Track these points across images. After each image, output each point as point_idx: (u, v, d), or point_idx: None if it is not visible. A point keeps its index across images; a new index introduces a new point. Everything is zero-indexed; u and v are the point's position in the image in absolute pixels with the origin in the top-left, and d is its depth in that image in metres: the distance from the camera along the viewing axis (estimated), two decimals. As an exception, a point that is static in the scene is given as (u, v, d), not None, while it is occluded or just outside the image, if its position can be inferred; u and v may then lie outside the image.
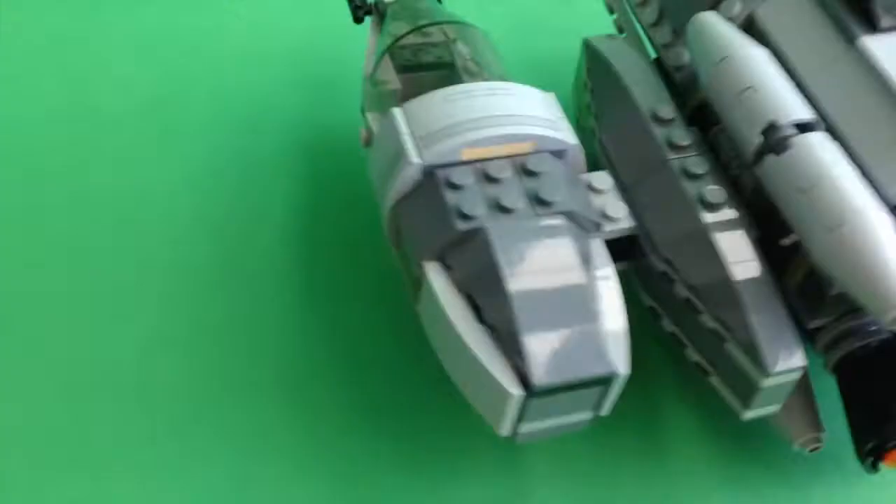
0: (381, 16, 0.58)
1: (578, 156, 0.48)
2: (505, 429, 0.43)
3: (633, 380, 0.43)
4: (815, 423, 0.48)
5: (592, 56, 0.55)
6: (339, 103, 0.66)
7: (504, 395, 0.41)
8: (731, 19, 0.51)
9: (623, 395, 0.44)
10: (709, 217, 0.46)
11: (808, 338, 0.47)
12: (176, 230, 0.59)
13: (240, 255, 0.58)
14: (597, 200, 0.48)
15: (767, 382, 0.43)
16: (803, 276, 0.46)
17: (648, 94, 0.51)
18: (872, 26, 0.48)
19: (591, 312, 0.43)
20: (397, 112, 0.47)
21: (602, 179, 0.49)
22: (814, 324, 0.47)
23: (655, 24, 0.57)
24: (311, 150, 0.64)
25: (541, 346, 0.41)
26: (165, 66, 0.69)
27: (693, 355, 0.47)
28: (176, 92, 0.67)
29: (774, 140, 0.45)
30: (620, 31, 0.61)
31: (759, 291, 0.44)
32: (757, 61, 0.47)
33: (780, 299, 0.44)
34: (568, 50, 0.65)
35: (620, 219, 0.48)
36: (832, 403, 0.49)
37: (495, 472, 0.51)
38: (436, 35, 0.55)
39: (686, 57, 0.54)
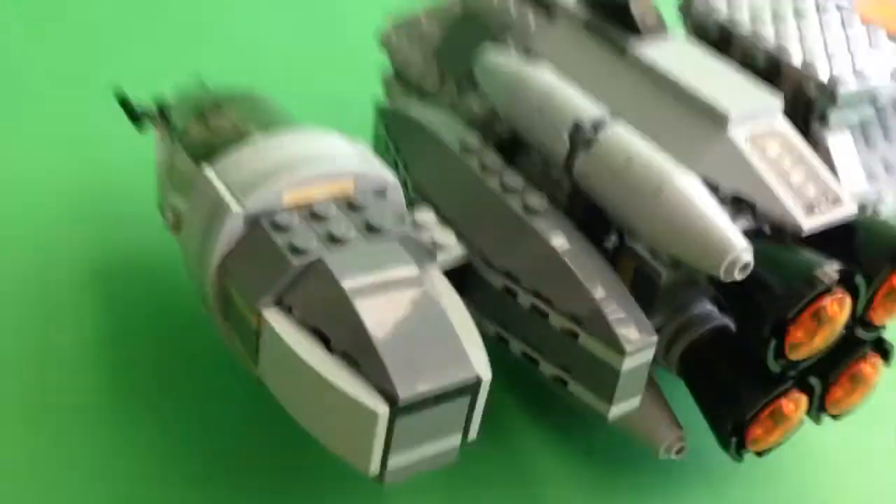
0: (164, 116, 0.57)
1: (398, 193, 0.48)
2: (373, 463, 0.40)
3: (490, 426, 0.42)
4: (674, 424, 0.48)
5: (389, 115, 0.56)
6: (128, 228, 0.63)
7: (370, 416, 0.39)
8: None
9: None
10: (535, 221, 0.47)
11: None
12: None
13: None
14: (424, 234, 0.48)
15: (626, 365, 0.43)
16: (632, 273, 0.48)
17: (452, 131, 0.52)
18: (639, 35, 0.52)
19: (445, 321, 0.41)
20: (208, 170, 0.46)
21: (425, 215, 0.49)
22: (655, 324, 0.48)
23: (440, 88, 0.59)
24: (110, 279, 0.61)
25: (400, 359, 0.39)
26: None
27: (548, 369, 0.47)
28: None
29: (582, 139, 0.47)
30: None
31: (602, 278, 0.45)
32: (546, 76, 0.50)
33: (620, 281, 0.45)
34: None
35: (451, 246, 0.47)
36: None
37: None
38: (222, 120, 0.54)
39: (476, 107, 0.56)
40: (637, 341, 0.43)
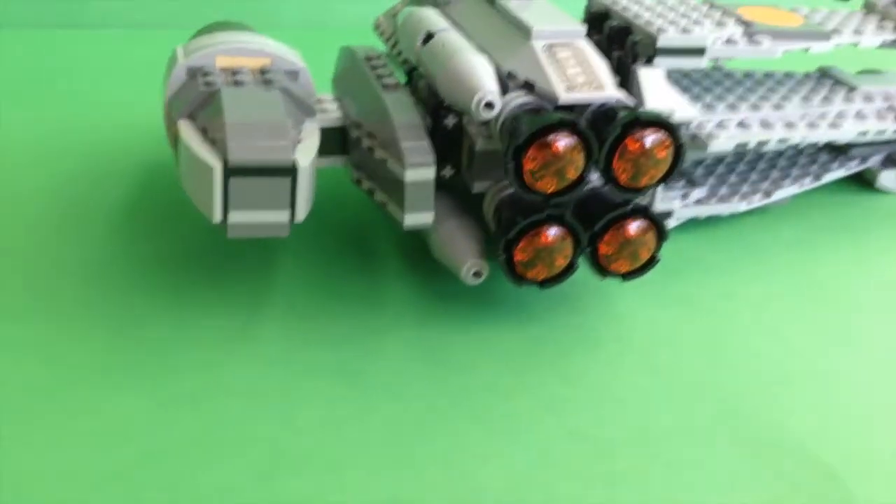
0: None
1: (308, 79, 0.67)
2: (216, 212, 0.58)
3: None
4: (476, 252, 0.62)
5: (345, 53, 0.76)
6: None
7: (209, 170, 0.57)
8: None
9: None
10: (387, 94, 0.65)
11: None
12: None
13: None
14: (314, 101, 0.67)
15: (410, 177, 0.59)
16: (467, 151, 0.64)
17: (365, 51, 0.72)
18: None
19: (284, 121, 0.59)
20: (179, 49, 0.68)
21: (324, 96, 0.68)
22: (476, 188, 0.64)
23: (393, 46, 0.78)
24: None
25: (240, 138, 0.57)
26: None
27: (378, 195, 0.63)
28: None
29: (426, 38, 0.65)
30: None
31: (407, 118, 0.62)
32: (426, 11, 0.69)
33: (422, 126, 0.62)
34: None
35: (331, 110, 0.66)
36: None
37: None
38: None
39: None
40: (417, 160, 0.60)
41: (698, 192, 0.73)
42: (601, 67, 0.62)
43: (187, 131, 0.60)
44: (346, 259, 0.69)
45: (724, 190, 0.75)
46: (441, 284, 0.66)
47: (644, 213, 0.61)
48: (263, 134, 0.58)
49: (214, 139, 0.59)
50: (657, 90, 0.66)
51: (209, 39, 0.67)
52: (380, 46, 0.78)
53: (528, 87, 0.61)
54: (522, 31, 0.64)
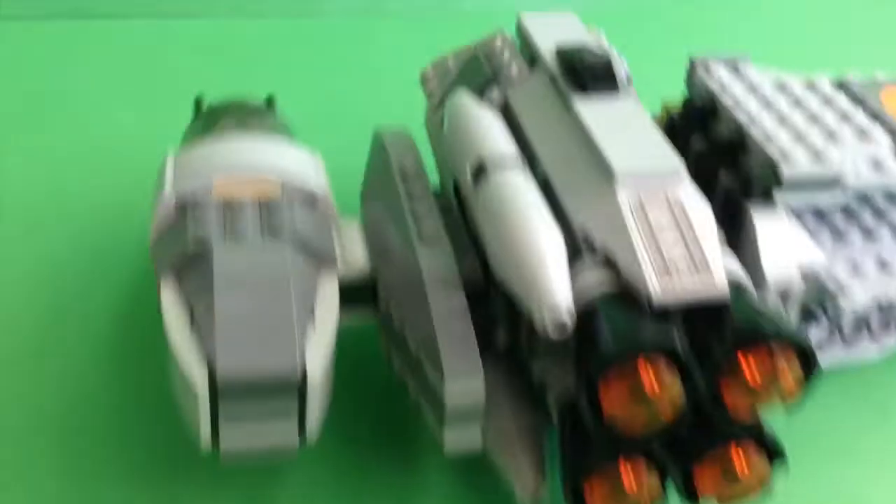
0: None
1: (329, 205, 0.53)
2: (204, 432, 0.45)
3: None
4: (539, 474, 0.49)
5: (377, 143, 0.61)
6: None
7: (193, 383, 0.44)
8: (491, 103, 0.57)
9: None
10: (420, 247, 0.50)
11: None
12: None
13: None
14: (339, 245, 0.52)
15: (450, 389, 0.46)
16: (528, 331, 0.49)
17: (403, 155, 0.57)
18: (581, 89, 0.53)
19: (289, 324, 0.45)
20: (170, 156, 0.53)
21: (354, 231, 0.54)
22: (536, 372, 0.50)
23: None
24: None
25: (233, 345, 0.44)
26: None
27: (414, 393, 0.50)
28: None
29: (479, 175, 0.50)
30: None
31: (449, 313, 0.47)
32: (480, 115, 0.55)
33: (469, 324, 0.47)
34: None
35: (355, 261, 0.52)
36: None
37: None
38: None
39: None
40: (461, 373, 0.45)
41: (815, 333, 0.58)
42: (707, 238, 0.47)
43: (170, 308, 0.47)
44: (375, 443, 0.55)
45: (847, 329, 0.60)
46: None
47: (759, 436, 0.47)
48: (263, 334, 0.45)
49: (201, 327, 0.46)
50: (776, 244, 0.50)
51: (207, 151, 0.53)
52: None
53: (609, 263, 0.47)
54: (602, 169, 0.48)
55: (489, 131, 0.52)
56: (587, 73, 0.52)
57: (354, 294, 0.51)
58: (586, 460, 0.46)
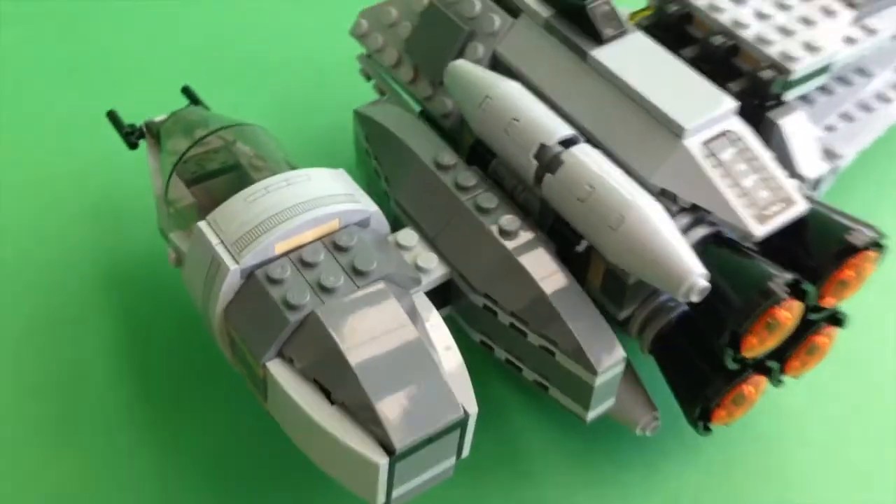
0: (154, 136, 0.60)
1: (381, 220, 0.51)
2: (380, 498, 0.45)
3: (483, 410, 0.46)
4: (649, 405, 0.53)
5: (367, 124, 0.58)
6: (131, 232, 0.66)
7: (371, 467, 0.43)
8: (478, 62, 0.56)
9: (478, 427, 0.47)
10: (510, 244, 0.50)
11: (620, 328, 0.52)
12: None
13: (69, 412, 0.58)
14: (408, 256, 0.51)
15: (599, 381, 0.48)
16: (602, 274, 0.51)
17: (427, 147, 0.55)
18: (597, 40, 0.53)
19: (430, 364, 0.45)
20: (203, 226, 0.49)
21: (408, 236, 0.52)
22: (622, 315, 0.52)
23: (412, 81, 0.61)
24: (116, 282, 0.64)
25: (393, 410, 0.44)
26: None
27: (530, 375, 0.51)
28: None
29: (547, 161, 0.49)
30: (381, 93, 0.65)
31: (571, 300, 0.49)
32: (513, 95, 0.52)
33: (590, 302, 0.49)
34: (335, 123, 0.69)
35: (433, 269, 0.51)
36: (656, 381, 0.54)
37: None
38: (214, 142, 0.56)
39: (449, 104, 0.58)
40: (606, 363, 0.47)
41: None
42: (769, 161, 0.50)
43: (297, 390, 0.45)
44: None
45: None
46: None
47: (832, 316, 0.52)
48: (419, 393, 0.44)
49: (345, 403, 0.45)
50: (805, 147, 0.54)
51: (250, 211, 0.49)
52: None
53: (696, 209, 0.49)
54: (663, 122, 0.49)
55: (529, 111, 0.51)
56: (600, 23, 0.52)
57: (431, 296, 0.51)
58: (713, 386, 0.50)
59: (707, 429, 0.52)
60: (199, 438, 0.57)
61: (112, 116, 0.62)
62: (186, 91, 0.63)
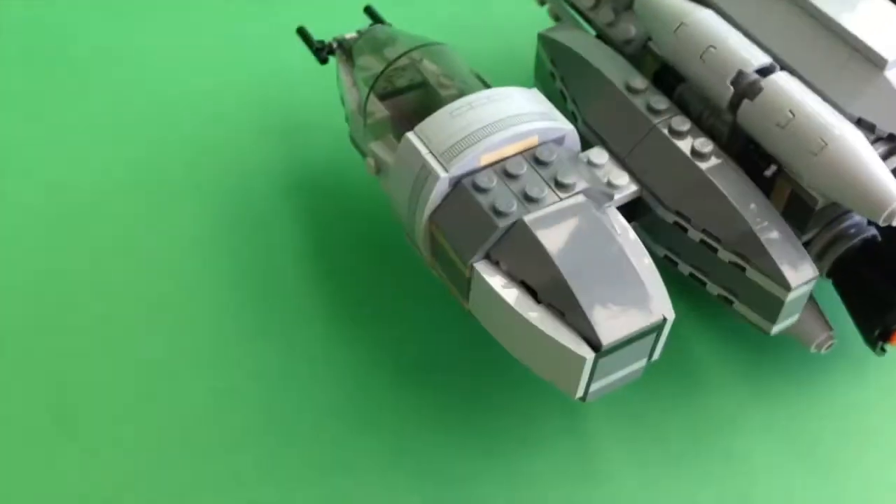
0: (347, 53, 0.63)
1: (575, 138, 0.54)
2: (580, 391, 0.49)
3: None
4: (825, 325, 0.55)
5: (553, 47, 0.60)
6: (314, 143, 0.70)
7: (579, 360, 0.47)
8: None
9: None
10: (704, 166, 0.52)
11: None
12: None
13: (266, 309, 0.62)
14: (599, 173, 0.54)
15: (791, 296, 0.50)
16: (786, 199, 0.53)
17: (618, 71, 0.57)
18: None
19: (632, 270, 0.48)
20: (412, 136, 0.52)
21: (599, 154, 0.54)
22: (804, 238, 0.54)
23: (594, 7, 0.62)
24: (303, 192, 0.68)
25: (600, 311, 0.47)
26: (138, 138, 0.71)
27: (715, 289, 0.54)
28: (155, 161, 0.70)
29: (745, 87, 0.51)
30: (557, 18, 0.67)
31: (766, 219, 0.51)
32: (709, 22, 0.54)
33: (782, 221, 0.51)
34: (506, 47, 0.71)
35: (625, 185, 0.53)
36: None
37: (562, 437, 0.56)
38: (404, 60, 0.59)
39: (632, 31, 0.60)
40: (799, 279, 0.49)
41: None
42: None
43: (506, 291, 0.48)
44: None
45: None
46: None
47: None
48: (622, 295, 0.47)
49: (553, 303, 0.48)
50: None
51: (455, 125, 0.51)
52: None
53: (894, 141, 0.50)
54: (865, 53, 0.51)
55: (726, 38, 0.53)
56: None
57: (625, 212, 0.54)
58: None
59: (883, 349, 0.54)
60: (388, 336, 0.61)
61: (302, 32, 0.65)
62: (369, 10, 0.66)
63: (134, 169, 0.69)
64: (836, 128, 0.48)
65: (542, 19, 0.68)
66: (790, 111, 0.49)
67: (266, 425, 0.57)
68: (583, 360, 0.47)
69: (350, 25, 0.64)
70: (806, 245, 0.55)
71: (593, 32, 0.63)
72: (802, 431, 0.57)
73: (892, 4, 0.53)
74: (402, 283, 0.62)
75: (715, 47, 0.52)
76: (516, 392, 0.58)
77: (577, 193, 0.50)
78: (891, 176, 0.48)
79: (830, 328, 0.55)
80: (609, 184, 0.53)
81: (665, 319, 0.48)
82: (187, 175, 0.68)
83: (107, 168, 0.69)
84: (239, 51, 0.77)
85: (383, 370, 0.59)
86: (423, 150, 0.51)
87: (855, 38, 0.51)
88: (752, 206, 0.51)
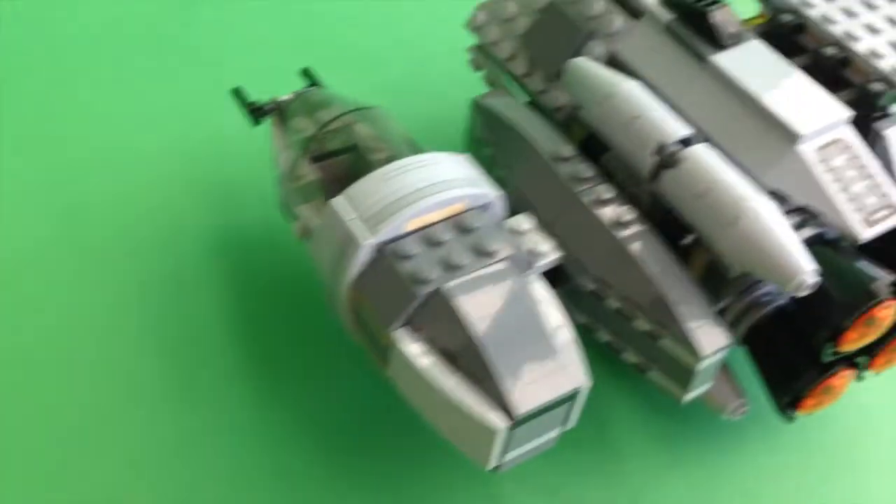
0: (281, 115, 0.63)
1: (501, 205, 0.55)
2: (493, 462, 0.49)
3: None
4: (737, 392, 0.56)
5: (486, 114, 0.62)
6: (247, 204, 0.71)
7: (492, 431, 0.47)
8: (595, 60, 0.59)
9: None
10: (622, 234, 0.53)
11: None
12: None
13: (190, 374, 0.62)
14: (524, 240, 0.55)
15: (701, 365, 0.51)
16: (703, 267, 0.54)
17: (546, 140, 0.58)
18: (717, 45, 0.56)
19: (548, 339, 0.49)
20: (336, 202, 0.53)
21: (524, 221, 0.55)
22: (719, 306, 0.55)
23: (527, 74, 0.64)
24: (234, 252, 0.68)
25: (514, 380, 0.47)
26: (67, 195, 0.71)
27: (630, 357, 0.55)
28: (82, 219, 0.70)
29: (665, 157, 0.53)
30: (491, 84, 0.69)
31: (680, 287, 0.52)
32: (634, 93, 0.55)
33: (697, 290, 0.52)
34: (441, 110, 0.72)
35: (548, 252, 0.54)
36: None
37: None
38: (335, 122, 0.60)
39: (562, 99, 0.61)
40: (711, 347, 0.51)
41: None
42: (877, 169, 0.53)
43: (422, 358, 0.49)
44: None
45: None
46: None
47: None
48: (538, 364, 0.48)
49: (469, 371, 0.48)
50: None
51: (382, 190, 0.52)
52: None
53: (804, 211, 0.52)
54: (781, 130, 0.52)
55: (650, 111, 0.54)
56: (720, 29, 0.55)
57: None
58: (806, 376, 0.54)
59: (792, 417, 0.55)
60: (307, 401, 0.61)
61: (237, 93, 0.66)
62: (306, 72, 0.67)
63: (59, 226, 0.69)
64: (751, 199, 0.50)
65: (479, 84, 0.70)
66: (707, 182, 0.51)
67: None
68: (496, 430, 0.47)
69: (289, 87, 0.65)
70: (721, 312, 0.56)
71: (528, 98, 0.65)
72: (719, 496, 0.58)
73: (809, 80, 0.55)
74: (330, 344, 0.63)
75: (639, 118, 0.54)
76: (436, 456, 0.58)
77: (500, 261, 0.51)
78: (800, 247, 0.49)
79: (742, 395, 0.56)
80: (532, 251, 0.54)
81: (579, 388, 0.49)
82: (116, 233, 0.68)
83: (32, 224, 0.69)
84: (177, 109, 0.77)
85: (308, 437, 0.59)
86: (348, 217, 0.52)
87: (771, 113, 0.53)
88: (668, 274, 0.52)
